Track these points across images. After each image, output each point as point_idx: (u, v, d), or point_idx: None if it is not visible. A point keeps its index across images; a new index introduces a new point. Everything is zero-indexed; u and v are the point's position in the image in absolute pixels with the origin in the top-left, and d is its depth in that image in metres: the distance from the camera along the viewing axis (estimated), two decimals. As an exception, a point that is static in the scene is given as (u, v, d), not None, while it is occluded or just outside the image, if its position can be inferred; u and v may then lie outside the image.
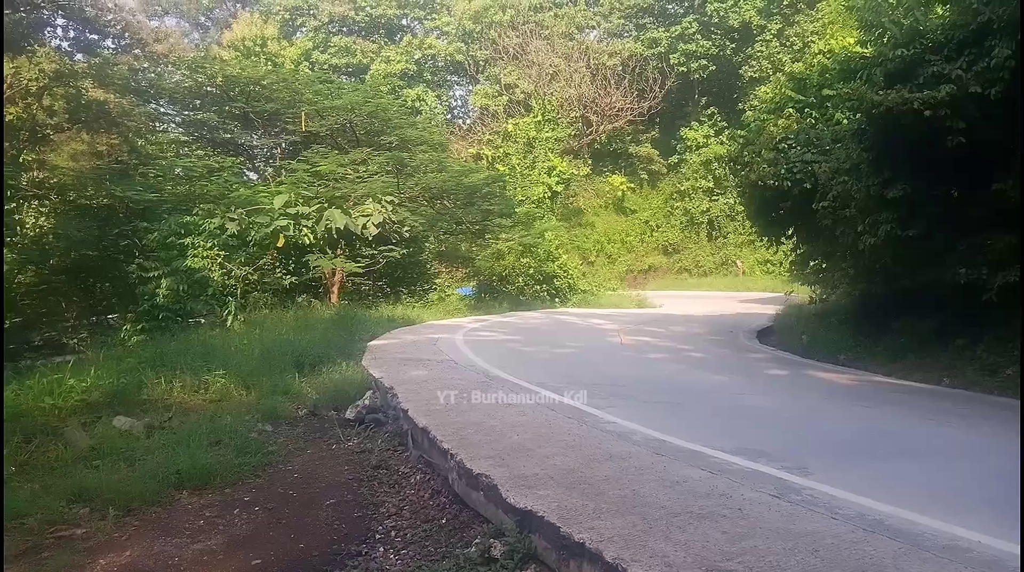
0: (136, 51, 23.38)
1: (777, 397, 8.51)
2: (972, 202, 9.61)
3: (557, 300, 23.88)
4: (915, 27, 9.86)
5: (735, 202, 31.12)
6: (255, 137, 24.62)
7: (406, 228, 18.58)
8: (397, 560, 4.63)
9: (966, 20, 9.23)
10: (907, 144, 9.61)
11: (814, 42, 27.23)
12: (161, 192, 16.64)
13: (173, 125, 24.17)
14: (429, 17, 41.60)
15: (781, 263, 23.99)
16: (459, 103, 45.55)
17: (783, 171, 13.31)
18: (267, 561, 4.67)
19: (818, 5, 32.54)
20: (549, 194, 34.40)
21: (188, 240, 14.64)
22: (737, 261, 34.40)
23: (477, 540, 4.40)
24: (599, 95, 36.56)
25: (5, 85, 16.93)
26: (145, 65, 23.73)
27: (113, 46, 23.29)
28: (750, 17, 34.71)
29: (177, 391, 8.68)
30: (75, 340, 15.51)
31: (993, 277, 9.28)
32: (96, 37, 22.30)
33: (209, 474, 6.05)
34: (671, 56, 36.10)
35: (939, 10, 10.77)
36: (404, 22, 43.16)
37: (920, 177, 9.70)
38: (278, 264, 17.30)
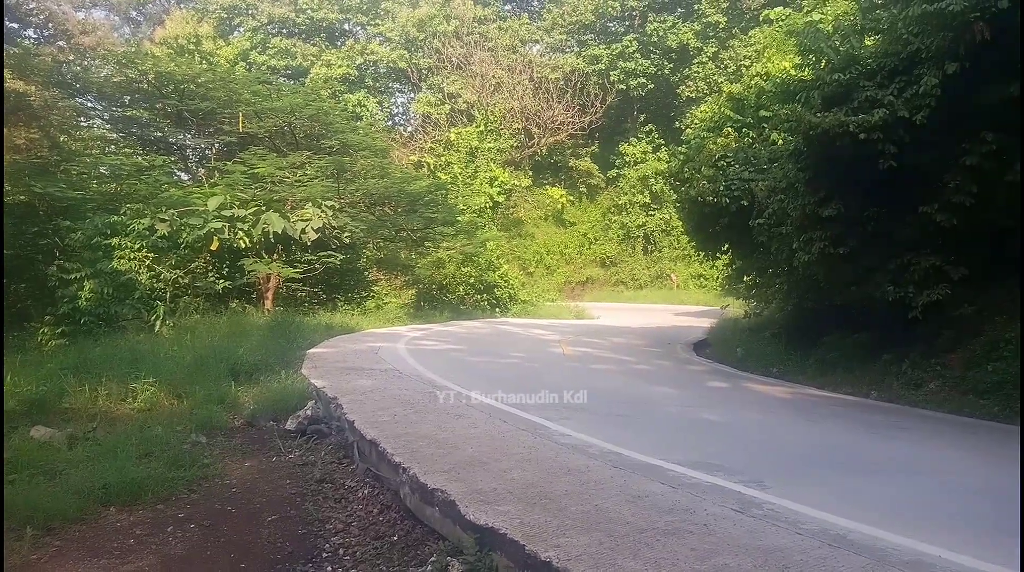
0: (61, 43, 22.23)
1: (721, 409, 8.65)
2: (901, 224, 10.06)
3: (497, 310, 23.85)
4: (851, 53, 10.27)
5: (671, 217, 31.86)
6: (188, 136, 23.72)
7: (346, 234, 18.17)
8: (347, 580, 4.44)
9: (896, 49, 9.68)
10: (842, 165, 9.97)
11: (747, 66, 28.18)
12: (86, 190, 15.73)
13: (100, 121, 22.97)
14: (372, 23, 40.99)
15: (717, 278, 24.61)
16: (400, 110, 45.07)
17: (722, 188, 13.64)
18: (206, 583, 4.41)
19: (751, 32, 33.80)
20: (491, 204, 34.42)
21: (115, 241, 13.93)
22: (672, 275, 35.16)
23: (433, 558, 4.23)
24: (541, 108, 36.86)
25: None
26: (71, 58, 22.52)
27: (35, 36, 22.10)
28: (687, 39, 35.75)
29: (102, 399, 8.18)
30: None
31: (919, 296, 9.72)
32: (16, 26, 21.13)
33: (139, 489, 5.67)
34: (611, 73, 36.76)
35: (868, 41, 11.25)
36: (346, 27, 42.42)
37: (853, 197, 10.08)
38: (211, 268, 16.62)
